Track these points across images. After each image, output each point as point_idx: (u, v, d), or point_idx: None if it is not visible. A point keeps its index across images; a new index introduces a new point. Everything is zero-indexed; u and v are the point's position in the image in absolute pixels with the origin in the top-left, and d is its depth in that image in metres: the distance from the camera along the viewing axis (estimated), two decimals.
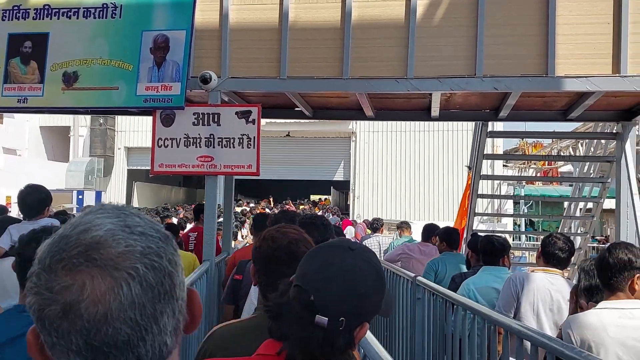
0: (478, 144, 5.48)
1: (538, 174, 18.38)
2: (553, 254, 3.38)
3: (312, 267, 1.19)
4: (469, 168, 6.76)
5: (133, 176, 24.18)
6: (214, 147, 4.47)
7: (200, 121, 4.51)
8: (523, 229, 18.30)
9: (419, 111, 5.32)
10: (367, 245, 7.58)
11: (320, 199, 26.69)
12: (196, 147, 4.49)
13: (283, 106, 5.53)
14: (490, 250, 3.92)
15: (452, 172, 19.60)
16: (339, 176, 22.11)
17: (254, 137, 4.44)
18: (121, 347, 0.64)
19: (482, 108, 5.22)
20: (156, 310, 0.66)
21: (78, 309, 0.62)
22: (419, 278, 4.10)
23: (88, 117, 22.91)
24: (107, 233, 0.66)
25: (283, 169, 21.75)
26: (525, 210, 20.91)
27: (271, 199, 23.19)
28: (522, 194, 18.71)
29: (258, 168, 4.43)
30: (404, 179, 19.93)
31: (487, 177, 6.69)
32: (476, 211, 6.19)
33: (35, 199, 3.56)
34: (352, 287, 1.15)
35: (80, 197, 19.39)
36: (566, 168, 22.38)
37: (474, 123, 6.65)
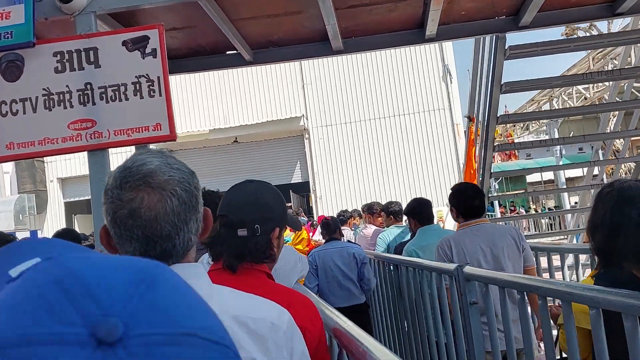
0: (492, 69, 3.87)
1: (495, 145, 17.00)
2: (467, 207, 3.25)
3: (226, 200, 1.59)
4: (469, 118, 5.17)
5: (71, 209, 21.92)
6: (94, 103, 2.67)
7: (67, 64, 2.71)
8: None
9: (408, 31, 3.67)
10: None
11: None
12: (65, 107, 2.68)
13: (210, 50, 3.77)
14: (420, 210, 4.15)
15: (425, 150, 18.32)
16: (296, 178, 20.57)
17: (159, 77, 2.67)
18: (164, 238, 1.06)
19: (496, 13, 3.60)
20: (187, 217, 1.07)
21: (139, 212, 1.03)
22: (467, 269, 2.41)
23: None
24: (156, 167, 1.05)
25: (234, 179, 19.50)
26: (497, 187, 19.78)
27: None
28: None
29: (172, 127, 2.66)
30: (371, 169, 18.39)
31: (510, 119, 5.01)
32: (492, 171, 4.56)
33: None
34: (255, 202, 1.56)
35: None
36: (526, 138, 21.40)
37: (472, 50, 5.02)
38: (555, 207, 28.61)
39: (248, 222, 1.50)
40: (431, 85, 18.58)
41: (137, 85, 2.67)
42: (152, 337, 0.36)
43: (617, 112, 5.42)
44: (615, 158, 5.31)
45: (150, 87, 2.66)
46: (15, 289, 0.37)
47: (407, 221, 4.62)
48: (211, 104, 19.32)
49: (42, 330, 0.35)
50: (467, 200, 3.25)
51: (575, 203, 15.75)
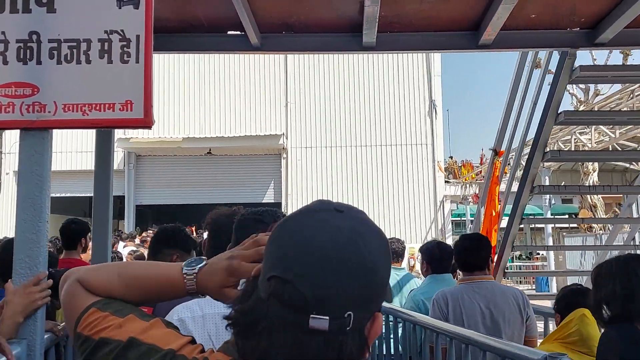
0: (550, 93, 3.17)
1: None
2: (466, 260, 3.00)
3: (292, 245, 0.73)
4: (495, 151, 4.46)
5: None
6: (39, 62, 1.84)
7: (7, 2, 1.88)
8: None
9: (459, 32, 2.94)
10: None
11: None
12: None
13: (208, 27, 2.97)
14: (439, 257, 3.73)
15: (403, 184, 17.86)
16: (269, 198, 19.90)
17: (138, 36, 1.86)
18: None
19: (571, 24, 2.90)
20: None
21: None
22: None
23: None
24: None
25: (205, 191, 19.28)
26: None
27: (194, 228, 20.13)
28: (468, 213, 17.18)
29: (149, 109, 1.84)
30: (347, 197, 17.76)
31: (562, 157, 4.25)
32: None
33: None
34: (356, 263, 0.72)
35: None
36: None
37: (516, 66, 4.32)
38: (519, 256, 28.12)
39: (335, 307, 0.71)
40: (416, 119, 18.28)
41: (106, 43, 1.85)
42: None
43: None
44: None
45: (125, 49, 1.84)
46: None
47: (420, 261, 3.98)
48: (187, 111, 18.60)
49: None
50: (468, 253, 3.01)
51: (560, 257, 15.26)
